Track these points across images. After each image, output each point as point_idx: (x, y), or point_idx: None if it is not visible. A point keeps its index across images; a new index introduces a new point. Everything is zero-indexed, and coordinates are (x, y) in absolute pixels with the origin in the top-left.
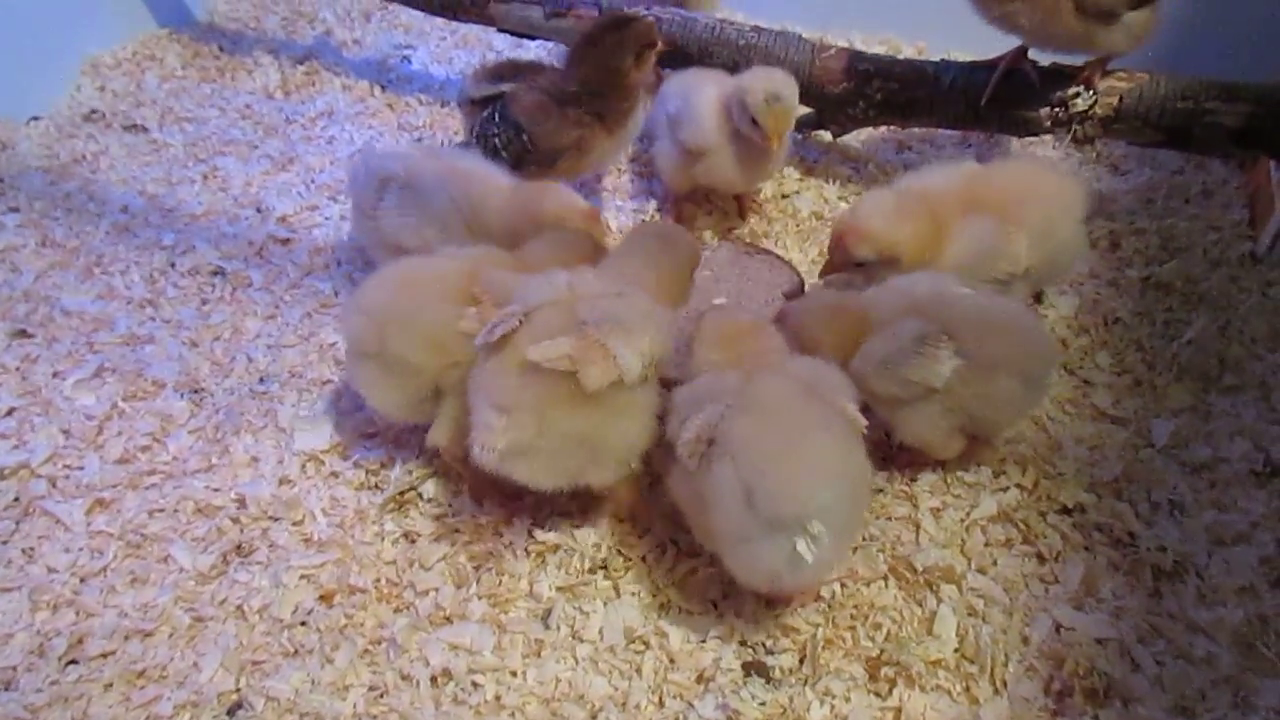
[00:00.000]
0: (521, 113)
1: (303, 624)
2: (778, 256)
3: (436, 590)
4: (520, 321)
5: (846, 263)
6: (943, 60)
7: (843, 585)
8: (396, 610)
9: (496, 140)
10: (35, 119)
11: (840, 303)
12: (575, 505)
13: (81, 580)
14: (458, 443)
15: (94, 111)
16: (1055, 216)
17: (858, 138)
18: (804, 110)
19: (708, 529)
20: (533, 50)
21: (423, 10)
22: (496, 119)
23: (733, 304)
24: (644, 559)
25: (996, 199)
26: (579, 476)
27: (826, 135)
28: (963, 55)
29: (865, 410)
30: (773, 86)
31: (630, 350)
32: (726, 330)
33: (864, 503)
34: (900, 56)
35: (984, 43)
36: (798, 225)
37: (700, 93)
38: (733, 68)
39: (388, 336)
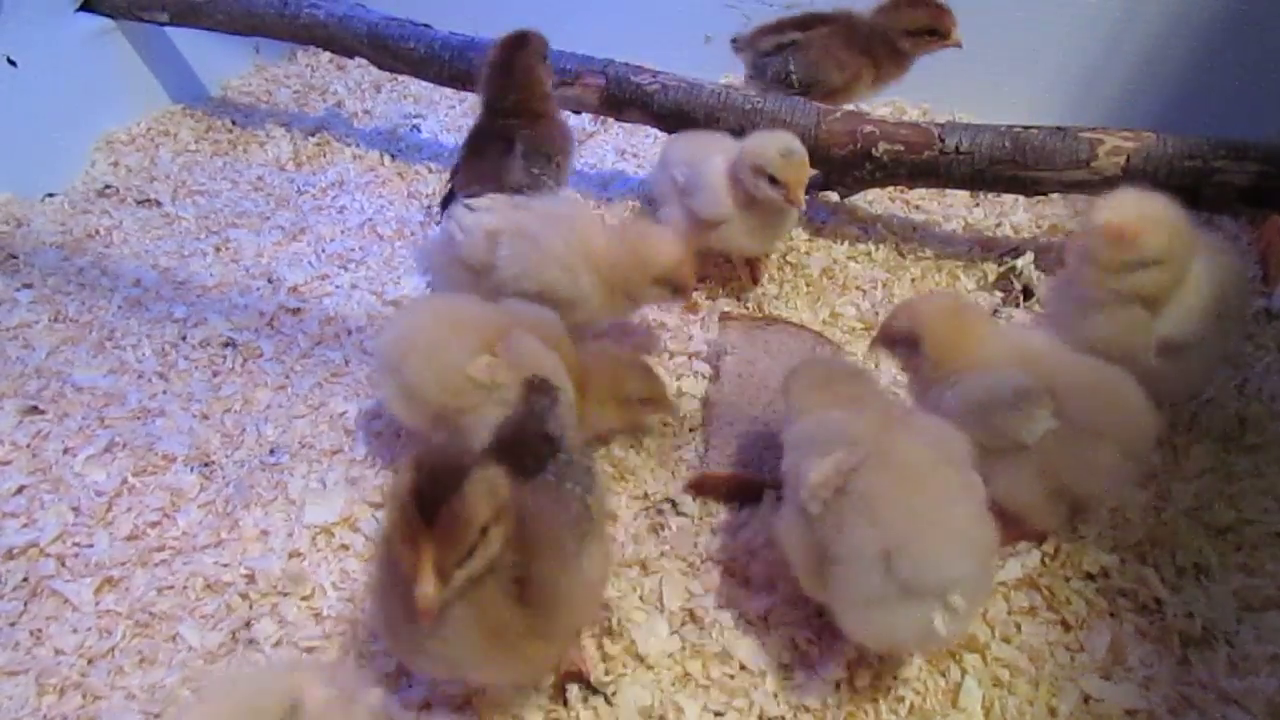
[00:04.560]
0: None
1: None
2: (790, 322)
3: None
4: None
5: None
6: (948, 122)
7: (862, 656)
8: (409, 687)
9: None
10: (50, 195)
11: (963, 306)
12: None
13: (89, 662)
14: None
15: (108, 187)
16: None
17: (865, 198)
18: (811, 172)
19: (820, 580)
20: None
21: (432, 81)
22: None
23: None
24: (660, 630)
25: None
26: None
27: (834, 196)
28: (967, 117)
29: None
30: (782, 143)
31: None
32: (821, 374)
33: (993, 573)
34: (905, 119)
35: (987, 105)
36: (808, 286)
37: (709, 163)
38: (738, 132)
39: (406, 360)
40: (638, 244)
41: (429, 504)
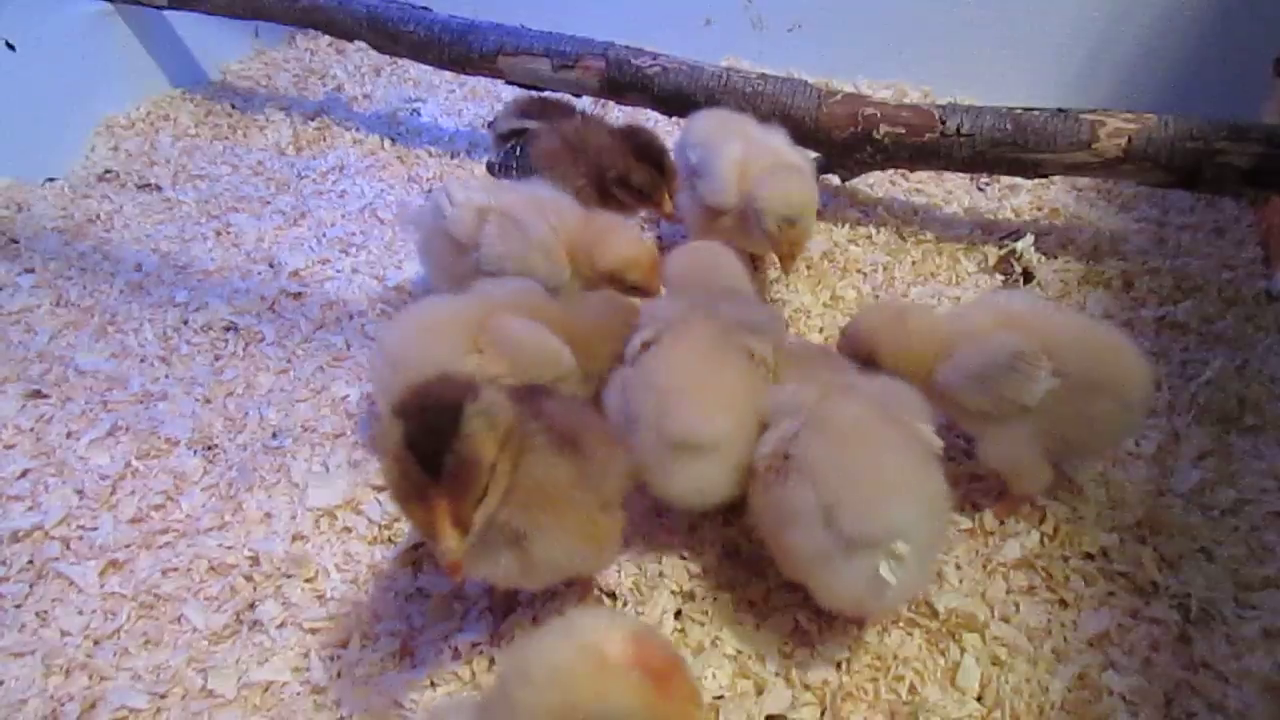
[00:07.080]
0: (537, 156)
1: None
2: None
3: (454, 648)
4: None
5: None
6: (948, 104)
7: (862, 636)
8: (413, 668)
9: (513, 174)
10: (51, 180)
11: (905, 311)
12: None
13: (95, 643)
14: None
15: (108, 171)
16: None
17: (866, 181)
18: (812, 155)
19: (786, 550)
20: None
21: (431, 64)
22: (516, 154)
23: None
24: (660, 610)
25: None
26: None
27: (835, 179)
28: (968, 99)
29: (949, 427)
30: (788, 209)
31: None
32: (801, 352)
33: (944, 525)
34: (906, 101)
35: (989, 87)
36: (809, 269)
37: (724, 149)
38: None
39: (402, 381)
40: (597, 236)
41: (427, 451)
